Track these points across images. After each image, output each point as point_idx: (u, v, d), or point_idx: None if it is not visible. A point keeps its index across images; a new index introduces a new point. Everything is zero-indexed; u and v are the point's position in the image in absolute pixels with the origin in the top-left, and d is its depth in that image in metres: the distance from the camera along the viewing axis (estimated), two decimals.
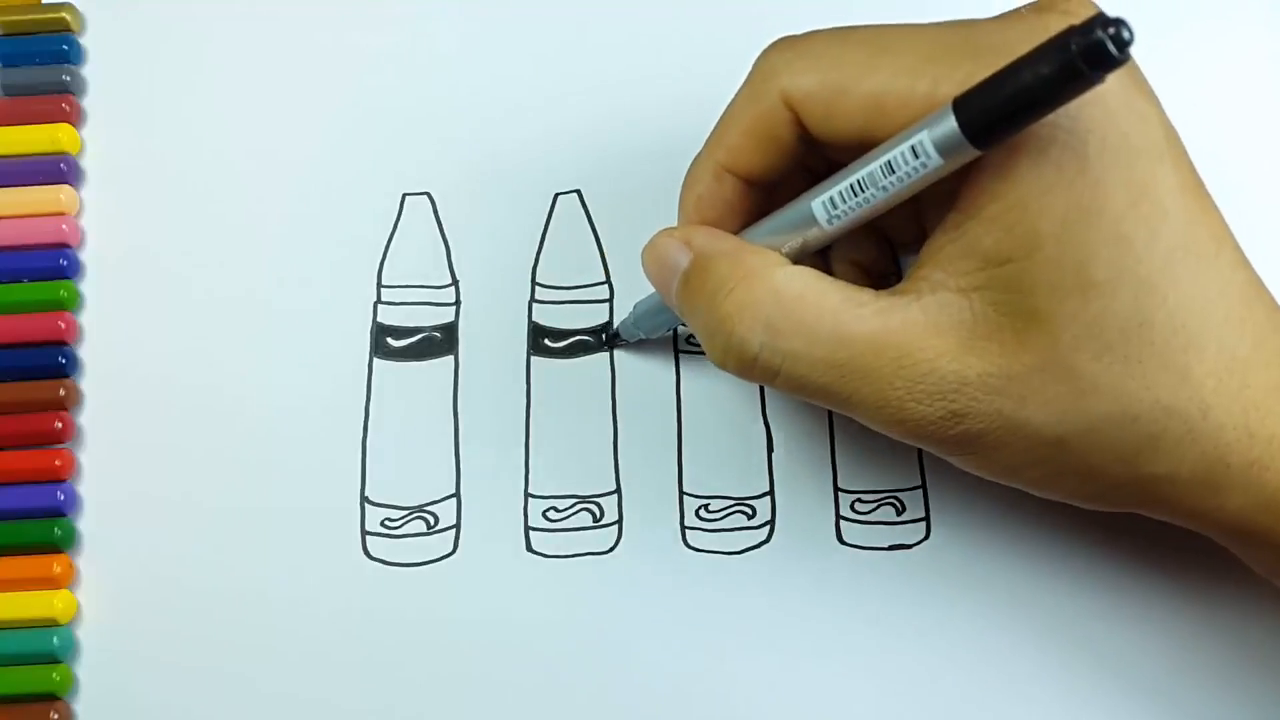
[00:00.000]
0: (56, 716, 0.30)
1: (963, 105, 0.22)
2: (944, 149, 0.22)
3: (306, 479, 0.31)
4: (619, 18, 0.34)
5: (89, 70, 0.34)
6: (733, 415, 0.32)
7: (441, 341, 0.32)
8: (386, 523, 0.31)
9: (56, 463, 0.31)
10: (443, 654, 0.30)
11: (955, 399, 0.24)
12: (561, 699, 0.30)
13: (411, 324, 0.32)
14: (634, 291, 0.32)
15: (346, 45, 0.34)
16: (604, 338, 0.32)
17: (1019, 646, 0.30)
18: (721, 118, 0.27)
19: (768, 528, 0.31)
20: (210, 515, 0.31)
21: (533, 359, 0.32)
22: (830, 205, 0.25)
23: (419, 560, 0.31)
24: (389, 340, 0.32)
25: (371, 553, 0.31)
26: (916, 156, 0.23)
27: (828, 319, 0.24)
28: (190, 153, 0.34)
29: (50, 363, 0.32)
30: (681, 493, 0.31)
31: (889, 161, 0.23)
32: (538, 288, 0.33)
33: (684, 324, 0.29)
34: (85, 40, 0.35)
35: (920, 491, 0.31)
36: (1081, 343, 0.23)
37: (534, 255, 0.33)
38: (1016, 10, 0.24)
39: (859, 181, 0.24)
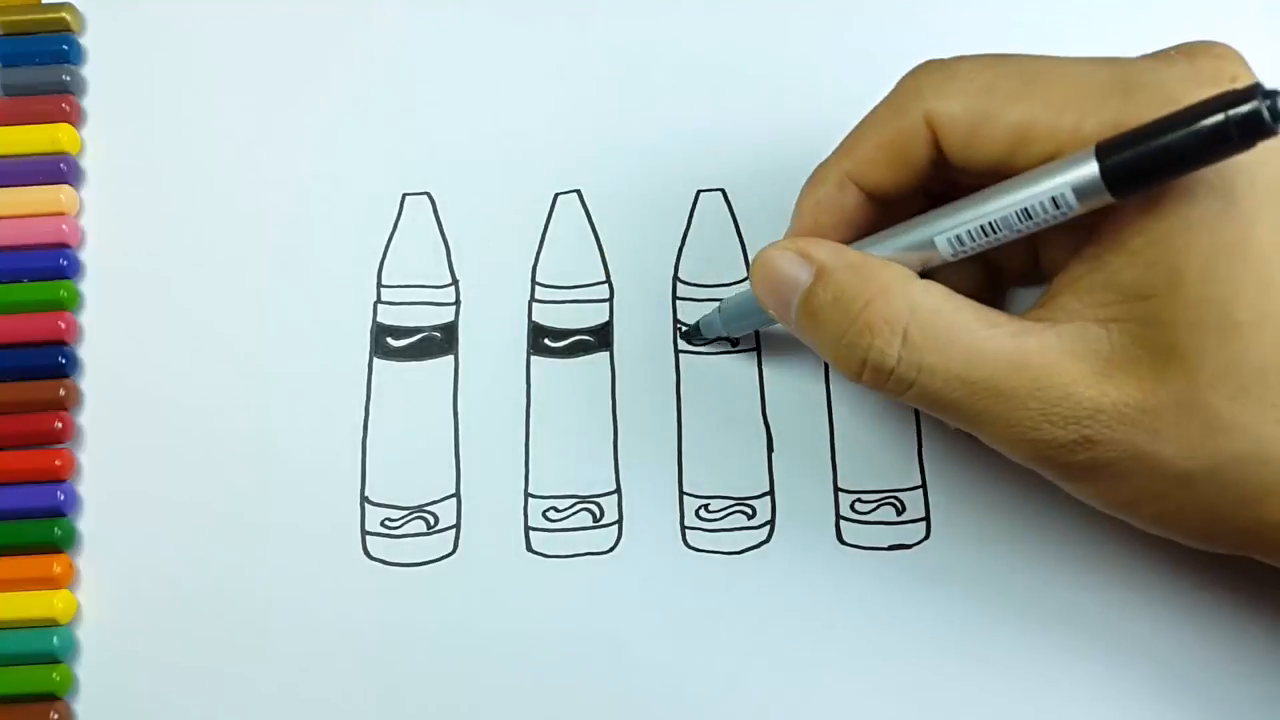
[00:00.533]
0: (56, 716, 0.30)
1: (1106, 153, 0.22)
2: (1081, 194, 0.22)
3: (306, 479, 0.31)
4: (619, 18, 0.34)
5: (89, 70, 0.34)
6: (733, 415, 0.32)
7: (441, 341, 0.32)
8: (386, 523, 0.31)
9: (56, 463, 0.31)
10: (443, 654, 0.30)
11: (1089, 425, 0.24)
12: (561, 699, 0.30)
13: (411, 324, 0.32)
14: (634, 291, 0.32)
15: (346, 45, 0.34)
16: (681, 332, 0.32)
17: (1019, 646, 0.30)
18: (856, 128, 0.27)
19: (768, 528, 0.31)
20: (210, 515, 0.31)
21: (533, 359, 0.32)
22: (957, 241, 0.25)
23: (419, 560, 0.31)
24: (389, 340, 0.32)
25: (371, 553, 0.31)
26: (1057, 206, 0.23)
27: (964, 335, 0.24)
28: (190, 153, 0.34)
29: (50, 363, 0.32)
30: (681, 493, 0.31)
31: (1026, 209, 0.23)
32: (538, 287, 0.33)
33: (774, 326, 0.29)
34: (85, 40, 0.35)
35: (920, 491, 0.31)
36: (1218, 382, 0.23)
37: (534, 255, 0.33)
38: (1166, 52, 0.24)
39: (992, 224, 0.24)
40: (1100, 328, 0.24)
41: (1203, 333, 0.23)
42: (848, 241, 0.27)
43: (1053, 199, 0.23)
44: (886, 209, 0.28)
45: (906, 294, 0.25)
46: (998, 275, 0.30)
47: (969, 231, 0.25)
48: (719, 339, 0.32)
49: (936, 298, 0.25)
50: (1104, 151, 0.22)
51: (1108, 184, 0.22)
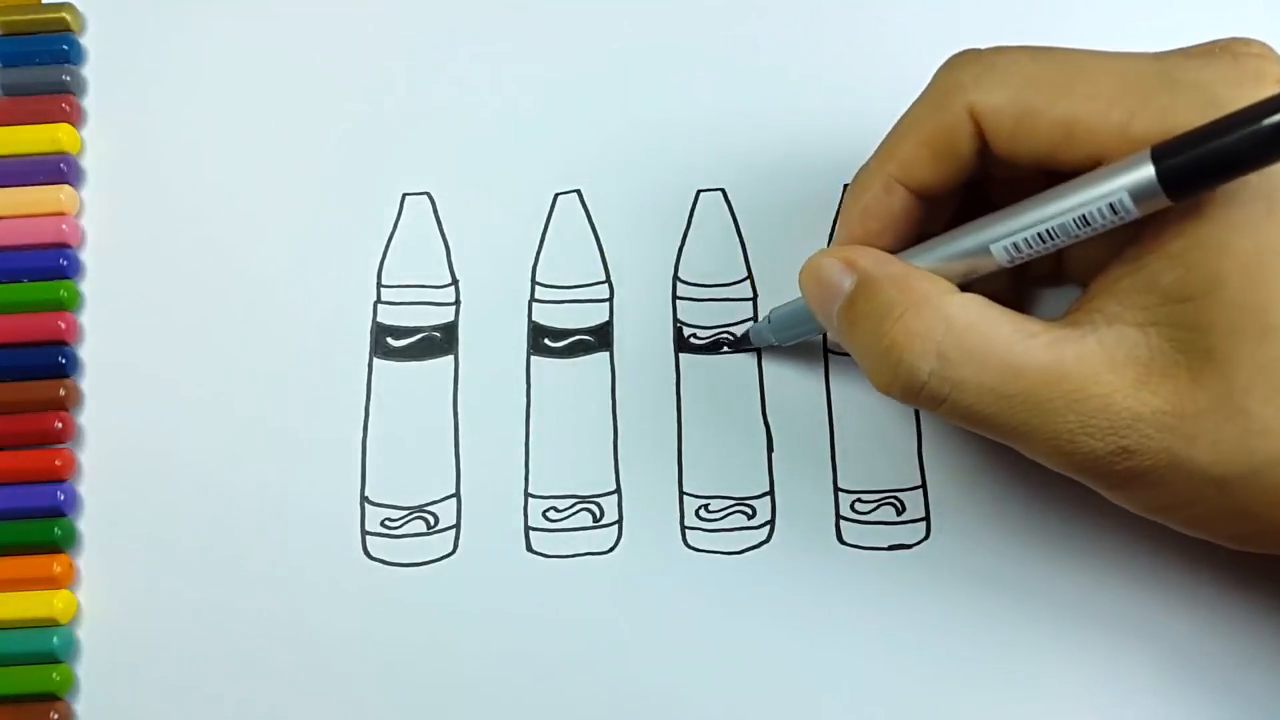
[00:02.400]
0: (56, 716, 0.30)
1: (1162, 156, 0.22)
2: (1138, 198, 0.22)
3: (306, 479, 0.31)
4: (619, 18, 0.34)
5: (89, 70, 0.34)
6: (733, 415, 0.32)
7: (441, 341, 0.32)
8: (386, 523, 0.31)
9: (56, 463, 0.31)
10: (443, 654, 0.30)
11: (1127, 435, 0.24)
12: (561, 699, 0.30)
13: (411, 324, 0.32)
14: (633, 291, 0.32)
15: (347, 45, 0.34)
16: (733, 338, 0.32)
17: (1019, 646, 0.30)
18: (896, 128, 0.27)
19: (768, 528, 0.31)
20: (210, 515, 0.31)
21: (533, 359, 0.32)
22: (1014, 249, 0.25)
23: (419, 560, 0.31)
24: (389, 340, 0.32)
25: (371, 553, 0.31)
26: (1115, 212, 0.23)
27: (999, 349, 0.24)
28: (190, 153, 0.34)
29: (50, 363, 0.32)
30: (681, 493, 0.31)
31: (1085, 215, 0.23)
32: (538, 287, 0.33)
33: (823, 334, 0.29)
34: (85, 40, 0.35)
35: (920, 491, 0.31)
36: (1255, 385, 0.23)
37: (534, 255, 0.33)
38: (1207, 48, 0.24)
39: (1050, 230, 0.24)
40: (1139, 332, 0.24)
41: (1240, 336, 0.23)
42: (899, 245, 0.27)
43: (1110, 205, 0.23)
44: (933, 208, 0.27)
45: (941, 308, 0.25)
46: (1023, 277, 0.30)
47: (1026, 239, 0.24)
48: (769, 348, 0.32)
49: (974, 311, 0.25)
50: (1160, 155, 0.22)
51: (1165, 188, 0.22)
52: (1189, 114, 0.22)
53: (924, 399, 0.25)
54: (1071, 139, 0.24)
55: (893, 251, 0.27)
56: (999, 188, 0.28)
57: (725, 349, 0.32)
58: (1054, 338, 0.24)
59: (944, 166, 0.26)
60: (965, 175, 0.26)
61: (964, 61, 0.26)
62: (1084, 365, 0.24)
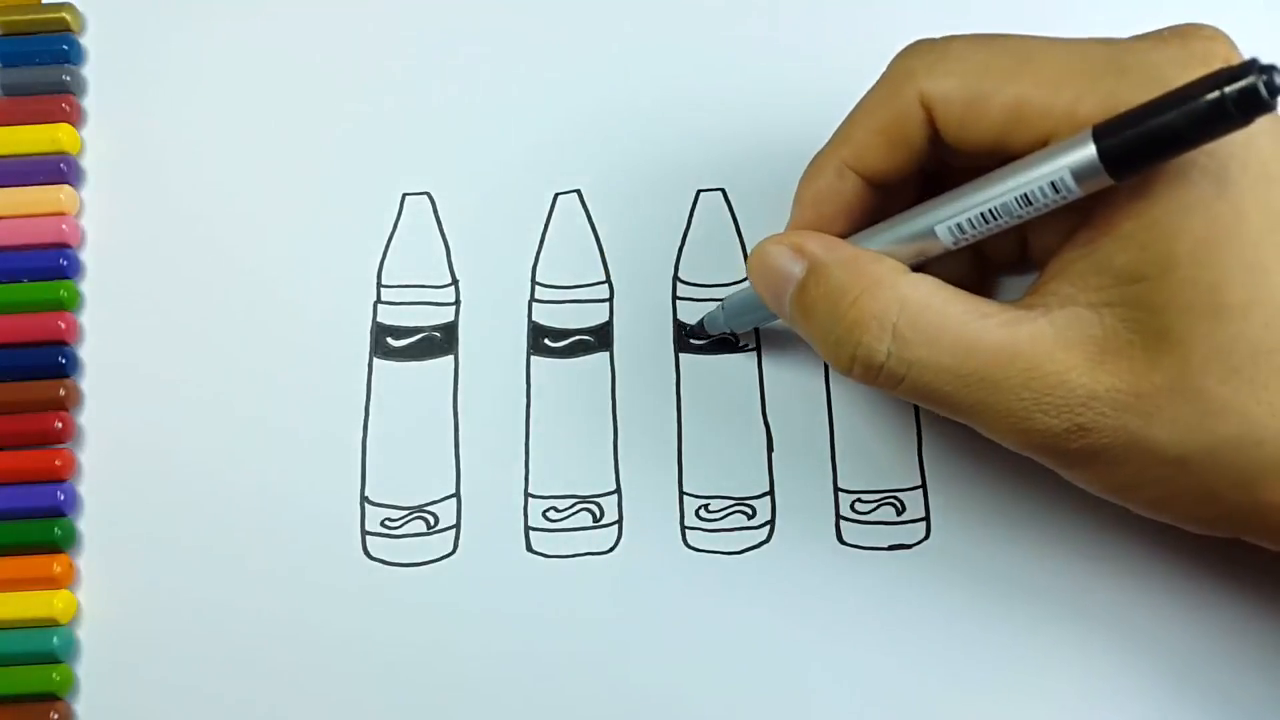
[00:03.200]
0: (56, 716, 0.30)
1: (1103, 135, 0.22)
2: (1080, 177, 0.22)
3: (306, 479, 0.31)
4: (619, 17, 0.34)
5: (89, 70, 0.34)
6: (733, 415, 0.32)
7: (441, 341, 0.32)
8: (386, 523, 0.31)
9: (56, 463, 0.31)
10: (443, 654, 0.30)
11: (1082, 413, 0.24)
12: (561, 699, 0.30)
13: (411, 324, 0.32)
14: (633, 291, 0.32)
15: (346, 45, 0.34)
16: (685, 331, 0.32)
17: (1019, 646, 0.30)
18: (851, 115, 0.27)
19: (768, 528, 0.31)
20: (210, 515, 0.31)
21: (533, 359, 0.32)
22: (958, 230, 0.25)
23: (419, 560, 0.31)
24: (389, 340, 0.32)
25: (371, 553, 0.31)
26: (1056, 191, 0.23)
27: (954, 328, 0.24)
28: (190, 152, 0.34)
29: (50, 363, 0.32)
30: (681, 493, 0.31)
31: (1026, 194, 0.23)
32: (538, 287, 0.33)
33: (776, 322, 0.29)
34: (85, 40, 0.35)
35: (920, 491, 0.31)
36: (1210, 365, 0.23)
37: (534, 255, 0.33)
38: (1157, 33, 0.24)
39: (992, 211, 0.24)
40: (1093, 312, 0.24)
41: (1194, 316, 0.23)
42: (850, 230, 0.27)
43: (1051, 183, 0.23)
44: (886, 195, 0.27)
45: (895, 288, 0.25)
46: (987, 265, 0.30)
47: (969, 219, 0.25)
48: (722, 336, 0.32)
49: (926, 291, 0.25)
50: (1101, 133, 0.22)
51: (1106, 166, 0.22)
52: (1135, 95, 0.22)
53: (883, 379, 0.25)
54: (1020, 122, 0.24)
55: (844, 237, 0.27)
56: (956, 177, 0.28)
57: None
58: (1008, 318, 0.24)
59: (896, 153, 0.26)
60: (917, 162, 0.26)
61: (917, 50, 0.26)
62: (1037, 344, 0.24)
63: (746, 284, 0.29)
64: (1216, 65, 0.22)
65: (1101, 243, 0.24)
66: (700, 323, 0.32)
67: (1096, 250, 0.24)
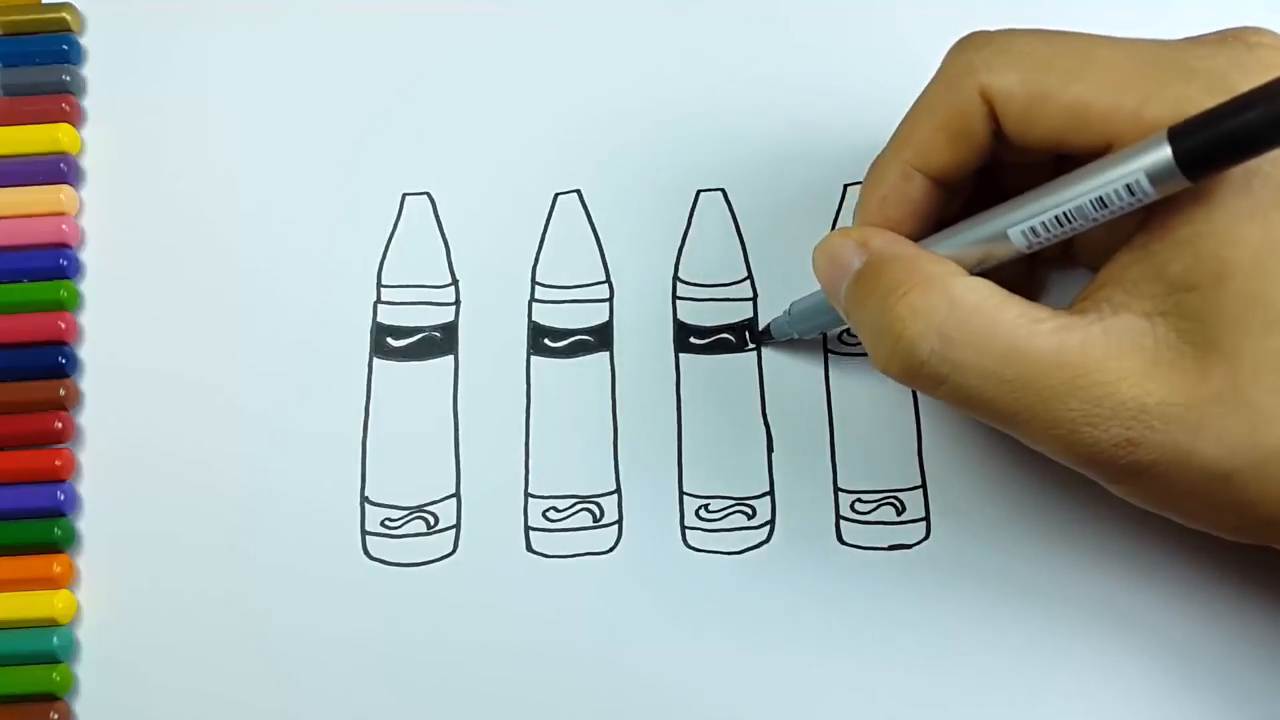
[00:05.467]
0: (56, 716, 0.30)
1: (1179, 137, 0.22)
2: (1155, 180, 0.22)
3: (306, 479, 0.31)
4: (619, 17, 0.34)
5: (89, 70, 0.34)
6: (733, 415, 0.32)
7: (441, 341, 0.32)
8: (386, 523, 0.31)
9: (56, 463, 0.31)
10: (443, 654, 0.30)
11: (1132, 426, 0.23)
12: (561, 698, 0.30)
13: (411, 324, 0.32)
14: (633, 291, 0.32)
15: (347, 45, 0.34)
16: (748, 335, 0.32)
17: (1019, 646, 0.30)
18: (909, 115, 0.27)
19: (768, 528, 0.31)
20: (210, 515, 0.31)
21: (533, 359, 0.32)
22: (1031, 234, 0.25)
23: (419, 560, 0.31)
24: (389, 340, 0.32)
25: (371, 553, 0.31)
26: (1132, 194, 0.23)
27: (1004, 332, 0.24)
28: (190, 152, 0.34)
29: (50, 363, 0.32)
30: (681, 493, 0.31)
31: (1101, 198, 0.23)
32: (538, 287, 0.33)
33: (843, 327, 0.29)
34: (85, 40, 0.35)
35: (920, 491, 0.31)
36: (1260, 376, 0.23)
37: (534, 255, 0.33)
38: (1218, 35, 0.24)
39: (1066, 214, 0.24)
40: (1145, 321, 0.24)
41: (1247, 327, 0.23)
42: (918, 234, 0.27)
43: (1127, 186, 0.23)
44: (951, 195, 0.27)
45: (947, 289, 0.24)
46: (1035, 262, 0.30)
47: (1043, 223, 0.24)
48: (789, 340, 0.32)
49: (979, 294, 0.24)
50: (1177, 135, 0.22)
51: (1182, 168, 0.22)
52: (1204, 99, 0.22)
53: (922, 379, 0.25)
54: (1084, 123, 0.24)
55: (911, 240, 0.27)
56: (1011, 175, 0.28)
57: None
58: (1059, 324, 0.24)
59: (960, 150, 0.26)
60: (981, 159, 0.26)
61: (974, 43, 0.26)
62: (1089, 352, 0.23)
63: (816, 291, 0.29)
64: (1277, 70, 0.22)
65: (1156, 249, 0.24)
66: (767, 328, 0.32)
67: (1152, 256, 0.24)
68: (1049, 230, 0.24)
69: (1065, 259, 0.30)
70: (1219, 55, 0.23)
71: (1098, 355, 0.23)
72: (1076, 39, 0.25)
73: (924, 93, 0.26)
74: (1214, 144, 0.21)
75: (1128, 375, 0.23)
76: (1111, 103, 0.23)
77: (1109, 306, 0.24)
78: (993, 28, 0.32)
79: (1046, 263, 0.30)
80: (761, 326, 0.32)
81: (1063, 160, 0.24)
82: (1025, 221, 0.25)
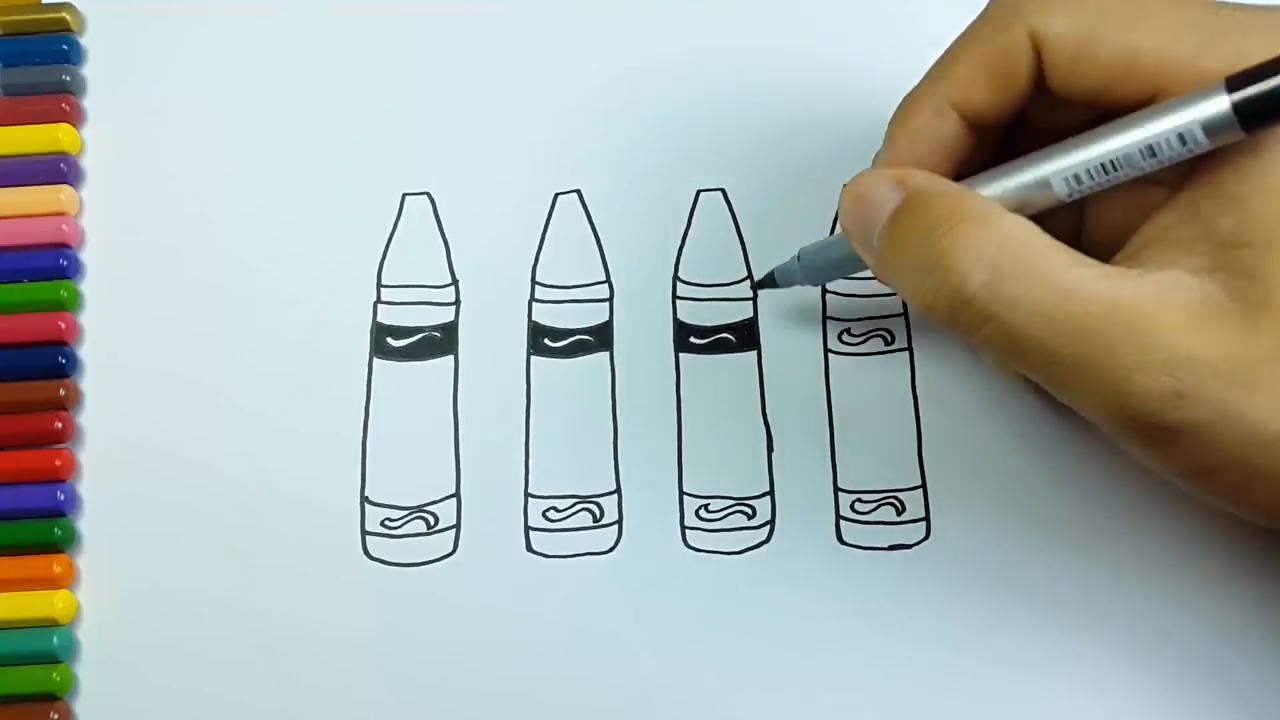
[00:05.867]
0: (56, 716, 0.30)
1: (1237, 86, 0.21)
2: (1210, 130, 0.22)
3: (306, 479, 0.31)
4: (619, 18, 0.34)
5: (89, 70, 0.34)
6: (733, 415, 0.32)
7: (441, 341, 0.32)
8: (386, 523, 0.31)
9: (56, 463, 0.31)
10: (443, 654, 0.30)
11: (1184, 377, 0.22)
12: (561, 699, 0.30)
13: (411, 324, 0.32)
14: (633, 291, 0.32)
15: (347, 45, 0.34)
16: (752, 284, 0.32)
17: (1019, 646, 0.30)
18: (949, 51, 0.26)
19: (768, 528, 0.31)
20: (210, 515, 0.31)
21: (533, 359, 0.32)
22: (1074, 180, 0.24)
23: (419, 560, 0.31)
24: (389, 340, 0.32)
25: (371, 553, 0.31)
26: (1184, 143, 0.22)
27: (1056, 270, 0.23)
28: (190, 152, 0.34)
29: (50, 363, 0.32)
30: (681, 493, 0.31)
31: (1151, 146, 0.23)
32: (538, 287, 0.33)
33: (859, 273, 0.28)
34: (85, 40, 0.35)
35: (920, 491, 0.31)
36: None
37: (534, 255, 0.33)
38: (1272, 5, 0.24)
39: (1112, 161, 0.23)
40: (1193, 277, 0.23)
41: None
42: (947, 175, 0.26)
43: (1179, 135, 0.22)
44: (981, 140, 0.26)
45: (998, 224, 0.24)
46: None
47: (1089, 170, 0.24)
48: (794, 286, 0.31)
49: (1030, 232, 0.24)
50: (1235, 85, 0.21)
51: (1240, 119, 0.21)
52: (1260, 52, 0.22)
53: (969, 316, 0.24)
54: (1133, 71, 0.23)
55: None
56: (1037, 136, 0.27)
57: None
58: (1109, 271, 0.23)
59: (1000, 92, 0.25)
60: (1018, 104, 0.25)
61: None
62: (1140, 299, 0.23)
63: (827, 239, 0.28)
64: None
65: (1203, 206, 0.23)
66: (771, 275, 0.31)
67: (1199, 214, 0.23)
68: (1093, 178, 0.24)
69: (1075, 240, 0.28)
70: (1273, 15, 0.23)
71: (1149, 302, 0.23)
72: None
73: (968, 30, 0.26)
74: (1274, 95, 0.21)
75: (1179, 325, 0.22)
76: (1164, 51, 0.23)
77: (1155, 263, 0.23)
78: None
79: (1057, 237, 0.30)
80: (762, 275, 0.31)
81: (1100, 117, 0.24)
82: (1070, 169, 0.24)
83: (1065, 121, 0.26)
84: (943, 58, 0.26)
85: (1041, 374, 0.24)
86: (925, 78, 0.26)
